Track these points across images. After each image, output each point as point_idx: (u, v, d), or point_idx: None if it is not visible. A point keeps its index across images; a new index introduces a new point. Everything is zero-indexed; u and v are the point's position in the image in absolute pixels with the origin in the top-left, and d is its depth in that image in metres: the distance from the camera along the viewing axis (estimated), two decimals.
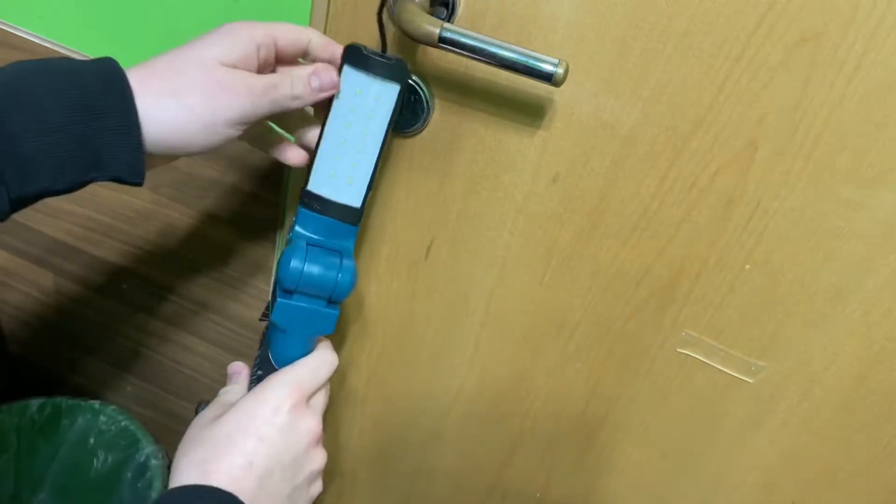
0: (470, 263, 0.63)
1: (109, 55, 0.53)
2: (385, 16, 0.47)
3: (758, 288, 0.55)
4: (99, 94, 0.41)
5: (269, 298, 0.59)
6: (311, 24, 0.56)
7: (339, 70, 0.47)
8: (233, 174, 0.66)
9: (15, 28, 0.67)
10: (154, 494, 0.89)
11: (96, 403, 0.98)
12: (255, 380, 0.55)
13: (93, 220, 0.78)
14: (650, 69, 0.49)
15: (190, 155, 0.46)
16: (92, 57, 0.52)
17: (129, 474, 0.94)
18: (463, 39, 0.45)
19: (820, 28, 0.44)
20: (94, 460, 0.97)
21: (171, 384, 0.94)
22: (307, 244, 0.51)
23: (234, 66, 0.44)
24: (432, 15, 0.47)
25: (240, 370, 0.57)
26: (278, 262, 0.51)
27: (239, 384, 0.55)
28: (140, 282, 0.83)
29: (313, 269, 0.49)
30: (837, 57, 0.44)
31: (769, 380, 0.59)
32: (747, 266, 0.54)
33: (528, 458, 0.74)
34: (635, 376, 0.63)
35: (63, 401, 0.98)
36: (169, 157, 0.46)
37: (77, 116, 0.40)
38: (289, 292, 0.51)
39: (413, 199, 0.61)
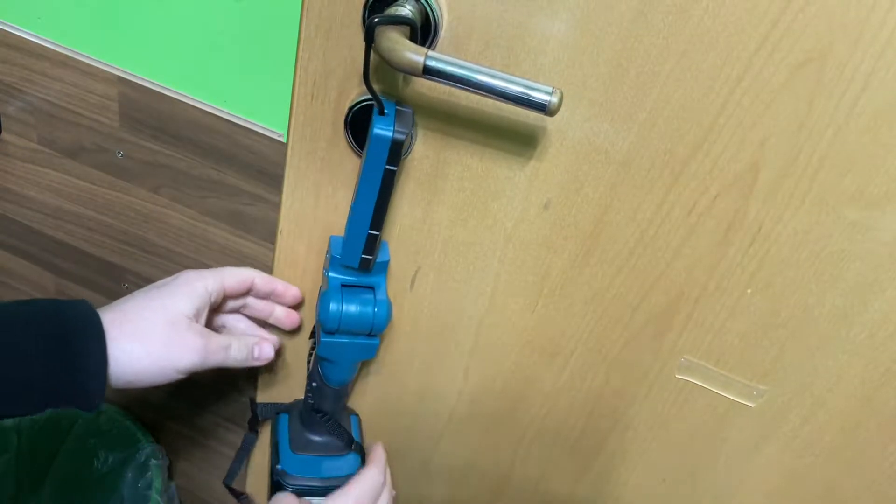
0: (458, 293, 0.60)
1: (109, 55, 0.63)
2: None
3: (760, 312, 0.53)
4: (79, 334, 0.46)
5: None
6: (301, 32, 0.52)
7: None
8: (233, 174, 0.64)
9: (15, 28, 0.65)
10: (154, 494, 0.87)
11: None
12: (310, 390, 0.62)
13: (93, 220, 0.76)
14: (646, 92, 0.46)
15: (135, 388, 0.52)
16: (91, 57, 0.63)
17: (129, 474, 0.92)
18: (449, 69, 0.41)
19: (825, 47, 0.41)
20: (95, 460, 0.95)
21: (171, 383, 0.91)
22: (342, 286, 0.54)
23: (195, 317, 0.53)
24: (413, 40, 0.44)
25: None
26: (318, 305, 0.55)
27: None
28: (141, 282, 0.81)
29: (350, 309, 0.53)
30: (843, 77, 0.42)
31: (771, 403, 0.57)
32: (748, 290, 0.52)
33: (521, 487, 0.71)
34: (632, 403, 0.61)
35: None
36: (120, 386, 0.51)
37: (56, 352, 0.45)
38: (331, 332, 0.54)
39: (396, 228, 0.58)
